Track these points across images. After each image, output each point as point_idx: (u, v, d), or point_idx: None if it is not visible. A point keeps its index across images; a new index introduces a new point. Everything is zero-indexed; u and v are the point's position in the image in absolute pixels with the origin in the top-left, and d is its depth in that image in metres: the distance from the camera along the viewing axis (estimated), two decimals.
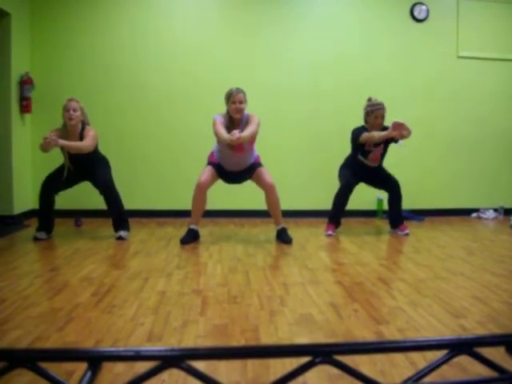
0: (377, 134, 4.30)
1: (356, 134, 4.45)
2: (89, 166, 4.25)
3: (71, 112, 4.05)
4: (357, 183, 4.61)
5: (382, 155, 4.56)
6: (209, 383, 0.51)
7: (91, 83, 5.29)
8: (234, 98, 4.01)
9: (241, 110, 4.03)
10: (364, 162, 4.55)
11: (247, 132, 3.94)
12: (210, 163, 4.23)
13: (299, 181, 5.58)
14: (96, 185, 4.30)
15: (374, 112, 4.39)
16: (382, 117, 4.41)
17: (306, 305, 2.61)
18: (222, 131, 3.93)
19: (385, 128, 4.41)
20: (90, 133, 4.12)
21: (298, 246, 4.10)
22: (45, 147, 3.88)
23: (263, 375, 1.80)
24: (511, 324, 2.35)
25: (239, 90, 4.05)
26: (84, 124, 4.18)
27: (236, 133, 3.83)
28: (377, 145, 4.46)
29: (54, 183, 4.20)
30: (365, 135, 4.35)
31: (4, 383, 1.67)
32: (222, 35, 5.46)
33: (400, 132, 4.16)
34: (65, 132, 4.11)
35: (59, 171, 4.23)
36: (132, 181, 5.35)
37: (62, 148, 4.10)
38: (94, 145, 4.16)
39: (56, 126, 4.19)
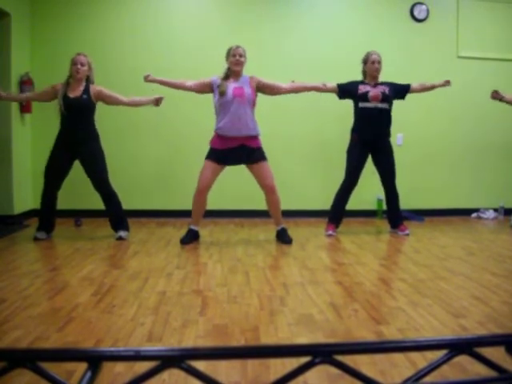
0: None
1: (348, 83, 4.61)
2: (84, 135, 4.16)
3: (79, 66, 4.09)
4: (364, 161, 4.57)
5: (385, 95, 4.52)
6: (209, 383, 0.51)
7: None
8: (233, 52, 4.14)
9: (240, 63, 4.13)
10: (369, 109, 4.51)
11: (301, 83, 4.43)
12: (209, 154, 4.13)
13: (299, 181, 5.57)
14: (88, 174, 4.22)
15: (370, 58, 4.55)
16: (378, 62, 4.52)
17: (305, 305, 2.61)
18: (172, 80, 4.37)
19: (383, 83, 4.56)
20: (104, 90, 4.20)
21: (297, 246, 4.09)
22: None
23: (263, 375, 1.80)
24: (511, 324, 2.35)
25: (238, 46, 4.19)
26: (89, 81, 4.19)
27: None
28: (374, 86, 4.52)
29: (54, 171, 4.16)
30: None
31: (4, 383, 1.67)
32: (222, 34, 5.45)
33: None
34: (66, 87, 4.12)
35: (53, 156, 4.18)
36: (132, 180, 5.34)
37: (60, 107, 4.11)
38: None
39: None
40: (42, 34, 5.27)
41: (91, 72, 4.22)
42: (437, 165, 5.81)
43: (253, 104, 4.16)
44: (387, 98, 4.53)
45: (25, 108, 5.04)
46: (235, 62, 4.11)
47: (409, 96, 5.74)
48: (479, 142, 5.86)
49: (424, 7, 5.66)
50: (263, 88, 4.25)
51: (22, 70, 5.01)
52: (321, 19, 5.55)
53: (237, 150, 4.07)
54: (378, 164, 4.65)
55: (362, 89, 4.53)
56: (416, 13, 5.66)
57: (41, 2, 5.26)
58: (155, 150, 5.44)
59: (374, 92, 4.51)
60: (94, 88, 4.19)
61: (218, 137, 4.11)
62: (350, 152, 4.61)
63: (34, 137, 5.27)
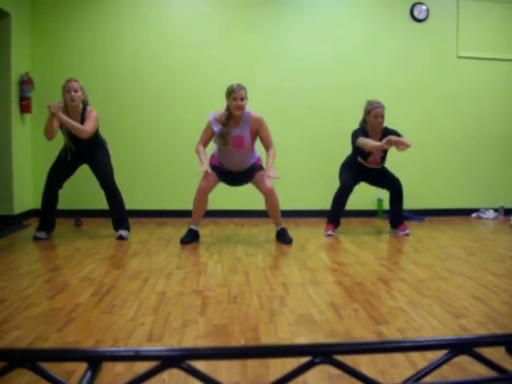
0: (370, 144, 4.28)
1: (353, 136, 4.45)
2: (89, 149, 4.22)
3: (72, 93, 4.04)
4: (357, 182, 4.62)
5: (383, 158, 4.56)
6: (209, 383, 0.51)
7: (91, 83, 5.27)
8: (235, 95, 3.95)
9: (242, 107, 4.00)
10: (364, 164, 4.55)
11: (271, 158, 4.04)
12: (211, 166, 4.21)
13: (299, 181, 5.57)
14: (96, 175, 4.27)
15: (373, 111, 4.37)
16: (381, 116, 4.38)
17: (306, 305, 2.61)
18: (202, 154, 4.06)
19: (386, 130, 4.41)
20: (92, 114, 4.11)
21: (297, 246, 4.09)
22: (53, 109, 3.96)
23: (263, 375, 1.80)
24: (511, 324, 2.35)
25: (241, 87, 3.99)
26: (85, 104, 4.17)
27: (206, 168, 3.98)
28: None
29: (58, 172, 4.18)
30: (360, 141, 4.33)
31: (4, 383, 1.67)
32: (223, 34, 5.46)
33: (395, 146, 4.21)
34: (65, 113, 4.09)
35: (60, 159, 4.21)
36: (132, 180, 5.34)
37: (62, 128, 4.10)
38: (95, 129, 4.14)
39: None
40: (42, 34, 5.27)
41: (84, 96, 4.18)
42: (437, 165, 5.81)
43: (252, 145, 4.17)
44: (384, 159, 4.57)
45: (25, 108, 5.04)
46: (236, 107, 3.97)
47: (408, 96, 5.76)
48: (479, 141, 5.86)
49: (424, 7, 5.65)
50: (259, 135, 4.16)
51: (22, 70, 5.01)
52: (321, 20, 5.55)
53: (235, 174, 4.23)
54: (379, 185, 4.72)
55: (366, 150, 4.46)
56: (416, 13, 5.65)
57: (41, 2, 5.25)
58: (155, 150, 5.44)
59: (374, 157, 4.49)
60: (89, 112, 4.13)
61: (219, 162, 4.24)
62: (343, 170, 4.66)
63: (34, 137, 5.26)
